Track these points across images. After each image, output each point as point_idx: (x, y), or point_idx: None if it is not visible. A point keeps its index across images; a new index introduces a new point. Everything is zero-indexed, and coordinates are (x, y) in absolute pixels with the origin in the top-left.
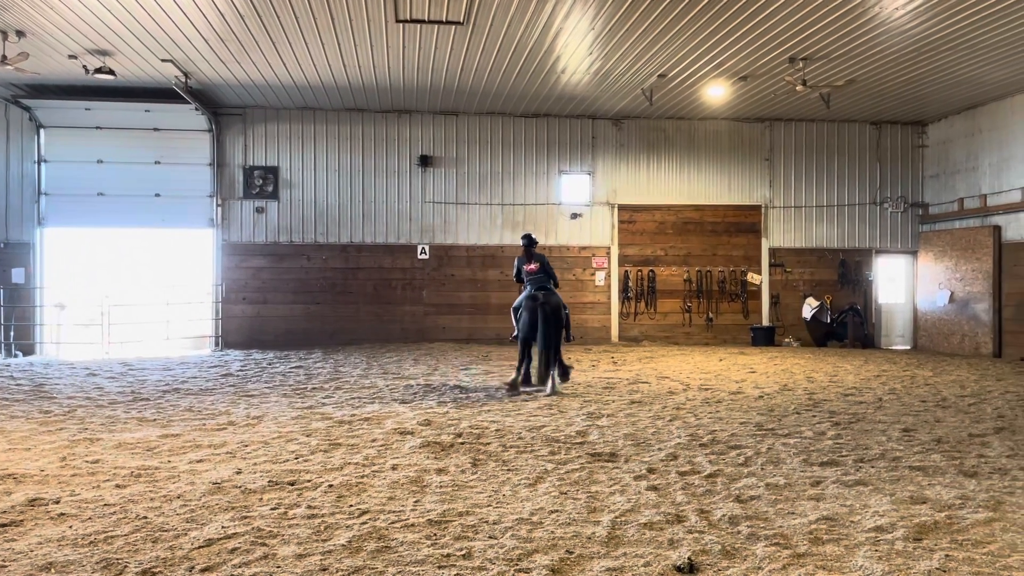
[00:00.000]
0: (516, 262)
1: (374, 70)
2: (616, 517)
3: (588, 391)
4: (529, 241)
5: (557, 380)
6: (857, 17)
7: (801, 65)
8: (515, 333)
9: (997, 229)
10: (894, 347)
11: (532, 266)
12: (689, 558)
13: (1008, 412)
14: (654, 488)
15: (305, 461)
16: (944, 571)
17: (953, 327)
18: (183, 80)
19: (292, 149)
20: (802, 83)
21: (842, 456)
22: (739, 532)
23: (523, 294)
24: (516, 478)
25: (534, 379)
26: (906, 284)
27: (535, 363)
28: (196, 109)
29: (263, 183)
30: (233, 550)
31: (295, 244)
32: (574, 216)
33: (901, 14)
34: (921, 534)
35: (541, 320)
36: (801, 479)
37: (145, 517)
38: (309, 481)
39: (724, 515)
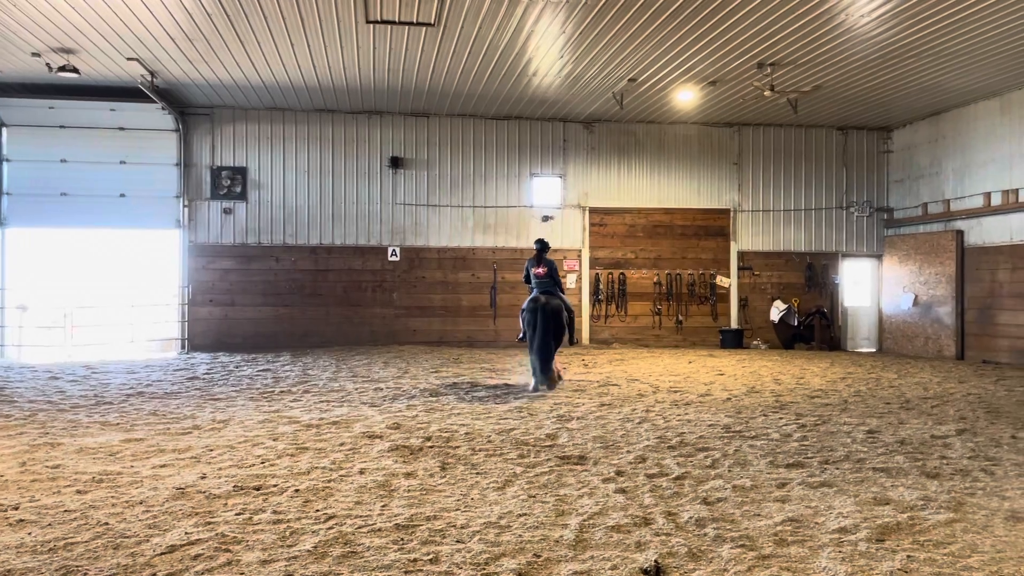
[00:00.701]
0: (527, 264)
1: (344, 71)
2: (584, 520)
3: (558, 394)
4: (542, 246)
5: (558, 377)
6: (824, 24)
7: (769, 71)
8: (521, 335)
9: (960, 234)
10: (860, 349)
11: (540, 270)
12: (656, 560)
13: (970, 414)
14: (622, 491)
15: (271, 465)
16: (906, 572)
17: (917, 330)
18: (149, 79)
19: (261, 149)
20: (770, 88)
21: (808, 458)
22: (706, 534)
23: (529, 297)
24: (485, 482)
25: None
26: (871, 287)
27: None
28: (163, 108)
29: (231, 184)
30: (196, 556)
31: (263, 245)
32: (545, 219)
33: (867, 21)
34: (884, 535)
35: (541, 321)
36: (767, 481)
37: (106, 523)
38: (275, 486)
39: (691, 517)
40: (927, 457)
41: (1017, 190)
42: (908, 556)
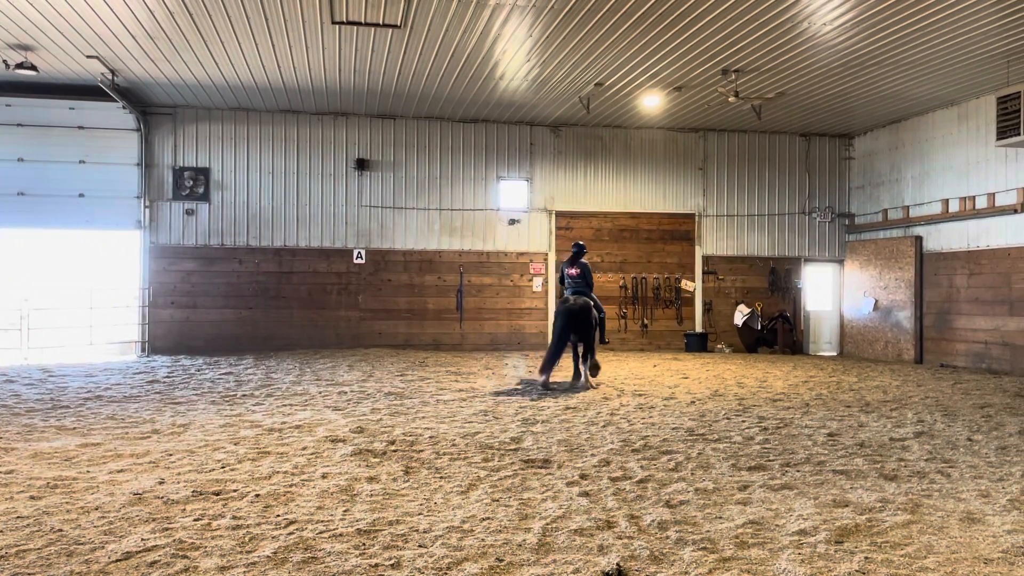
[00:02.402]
0: (562, 266)
1: (309, 71)
2: (547, 524)
3: (524, 397)
4: (579, 249)
5: (587, 374)
6: (787, 32)
7: (734, 77)
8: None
9: (919, 239)
10: (822, 353)
11: (573, 271)
12: (618, 564)
13: (927, 417)
14: (586, 494)
15: (232, 470)
16: (863, 573)
17: (877, 334)
18: (109, 78)
19: (224, 150)
20: (734, 95)
21: (769, 461)
22: (668, 537)
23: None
24: (448, 486)
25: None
26: (833, 292)
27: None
28: (123, 108)
29: (193, 184)
30: (152, 563)
31: (226, 247)
32: (512, 222)
33: (829, 30)
34: (843, 537)
35: (571, 320)
36: (729, 484)
37: (60, 530)
38: (235, 491)
39: (654, 520)
40: (885, 459)
41: (974, 197)
42: (866, 557)
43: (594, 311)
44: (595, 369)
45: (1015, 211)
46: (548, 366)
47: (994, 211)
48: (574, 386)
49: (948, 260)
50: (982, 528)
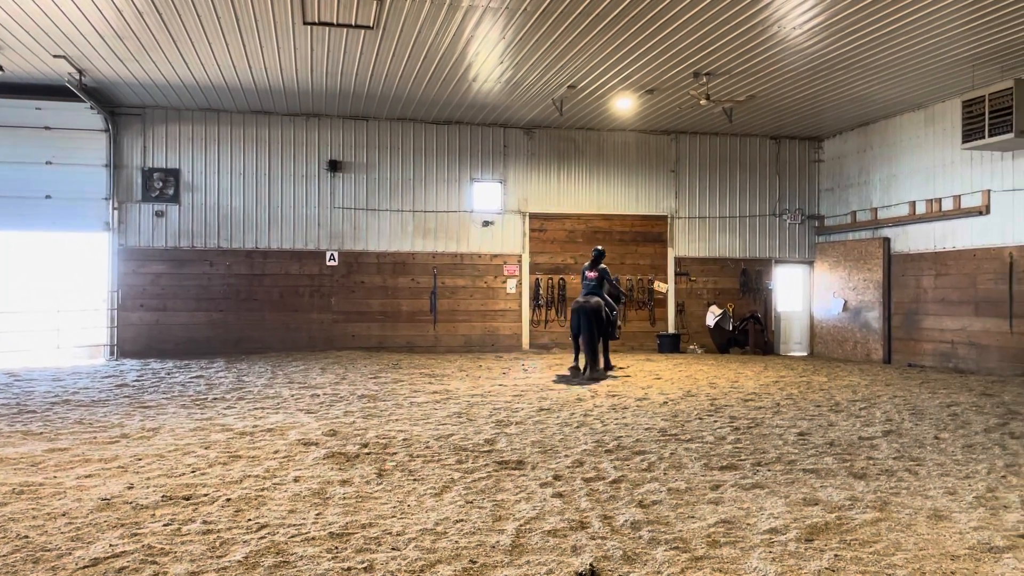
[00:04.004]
0: (583, 268)
1: (281, 72)
2: (521, 525)
3: (497, 398)
4: (598, 254)
5: (600, 368)
6: (757, 35)
7: (705, 80)
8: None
9: (887, 241)
10: (792, 353)
11: (592, 274)
12: (591, 564)
13: (895, 416)
14: (559, 495)
15: (202, 474)
16: (833, 570)
17: (846, 334)
18: (77, 77)
19: (195, 151)
20: (706, 97)
21: (741, 460)
22: (640, 537)
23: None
24: (422, 488)
25: (584, 369)
26: (803, 293)
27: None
28: (91, 108)
29: (163, 186)
30: (121, 569)
31: (197, 249)
32: (486, 224)
33: (799, 34)
34: (812, 535)
35: (584, 320)
36: (701, 483)
37: (26, 536)
38: (206, 495)
39: (627, 520)
40: (855, 458)
41: (940, 199)
42: (835, 555)
43: (605, 309)
44: (601, 368)
45: (980, 213)
46: (576, 355)
47: (959, 213)
48: (592, 375)
49: (915, 261)
50: (949, 525)
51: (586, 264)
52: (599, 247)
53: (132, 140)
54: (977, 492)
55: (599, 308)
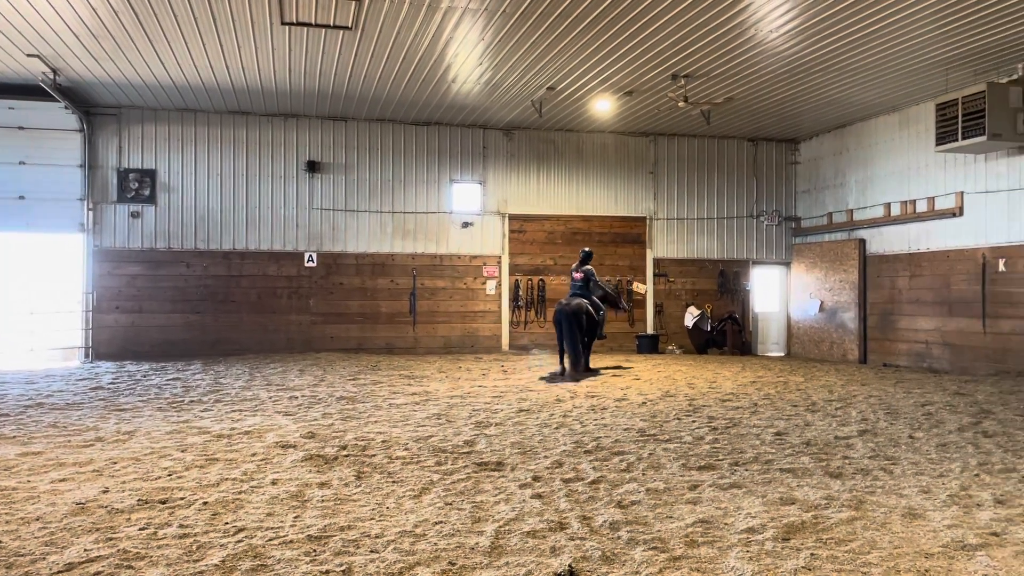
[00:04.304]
0: (572, 268)
1: (259, 73)
2: (500, 526)
3: (477, 400)
4: (586, 255)
5: (581, 368)
6: (735, 38)
7: (683, 82)
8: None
9: (862, 242)
10: (769, 354)
11: (577, 275)
12: (570, 565)
13: (871, 415)
14: (539, 496)
15: (179, 478)
16: (809, 569)
17: (823, 334)
18: (51, 77)
19: (171, 151)
20: (684, 100)
21: (719, 460)
22: (619, 537)
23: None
24: (401, 490)
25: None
26: (780, 294)
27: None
28: (66, 108)
29: (139, 187)
30: (96, 574)
31: (173, 250)
32: (465, 225)
33: (775, 36)
34: (789, 534)
35: (564, 320)
36: (680, 483)
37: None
38: (182, 499)
39: (605, 521)
40: (831, 457)
41: (915, 201)
42: (812, 554)
43: (589, 310)
44: (582, 369)
45: (953, 215)
46: (560, 357)
47: (933, 215)
48: (574, 375)
49: (890, 262)
50: (923, 523)
51: (574, 264)
52: (587, 248)
53: (107, 140)
54: (951, 490)
55: (579, 310)
